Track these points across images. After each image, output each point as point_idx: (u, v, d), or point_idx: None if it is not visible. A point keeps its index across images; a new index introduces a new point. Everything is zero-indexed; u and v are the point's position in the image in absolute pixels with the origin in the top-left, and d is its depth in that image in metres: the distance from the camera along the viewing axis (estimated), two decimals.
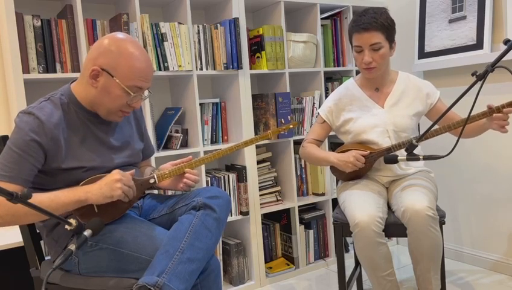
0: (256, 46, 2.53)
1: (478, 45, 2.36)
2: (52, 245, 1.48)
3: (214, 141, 2.47)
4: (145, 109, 2.15)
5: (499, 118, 1.62)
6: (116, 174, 1.36)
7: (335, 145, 2.77)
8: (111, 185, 1.34)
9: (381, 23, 1.78)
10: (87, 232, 1.21)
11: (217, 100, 2.49)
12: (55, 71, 1.97)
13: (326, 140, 2.59)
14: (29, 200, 1.06)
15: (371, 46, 1.79)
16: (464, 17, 2.44)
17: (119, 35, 1.42)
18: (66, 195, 1.33)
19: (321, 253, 2.78)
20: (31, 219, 1.34)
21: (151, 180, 1.50)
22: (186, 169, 1.55)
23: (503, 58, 1.52)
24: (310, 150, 1.97)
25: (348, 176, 1.95)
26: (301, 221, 2.69)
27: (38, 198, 1.27)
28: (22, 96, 1.87)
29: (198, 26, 2.30)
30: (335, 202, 2.19)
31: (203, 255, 1.37)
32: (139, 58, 1.39)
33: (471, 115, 1.61)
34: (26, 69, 1.90)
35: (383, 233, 1.67)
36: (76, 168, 1.41)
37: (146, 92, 1.48)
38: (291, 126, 1.72)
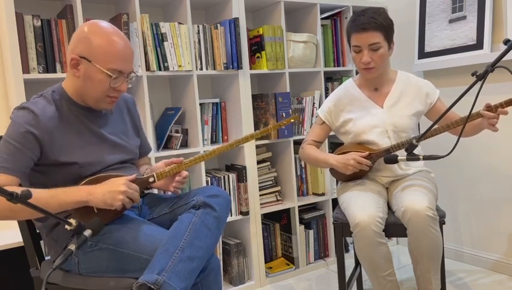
0: (256, 46, 2.53)
1: (478, 45, 2.36)
2: (52, 245, 1.48)
3: (214, 141, 2.47)
4: (145, 109, 2.15)
5: (490, 116, 1.63)
6: (122, 185, 1.34)
7: (335, 145, 2.77)
8: (114, 196, 1.33)
9: (380, 23, 1.77)
10: (87, 232, 1.21)
11: (217, 100, 2.49)
12: (55, 71, 1.97)
13: (326, 140, 2.59)
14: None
15: (369, 46, 1.79)
16: (464, 17, 2.44)
17: (95, 22, 1.42)
18: (67, 193, 1.32)
19: (321, 253, 2.78)
20: (29, 215, 1.34)
21: (151, 179, 1.49)
22: (183, 169, 1.54)
23: (503, 58, 1.52)
24: (309, 151, 1.97)
25: (347, 177, 1.95)
26: (301, 221, 2.69)
27: (37, 194, 1.25)
28: (22, 96, 1.87)
29: (198, 26, 2.30)
30: (335, 202, 2.19)
31: (203, 254, 1.37)
32: (115, 40, 1.39)
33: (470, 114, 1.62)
34: (26, 69, 1.90)
35: (383, 233, 1.67)
36: (72, 163, 1.41)
37: (132, 75, 1.47)
38: (292, 120, 1.69)
